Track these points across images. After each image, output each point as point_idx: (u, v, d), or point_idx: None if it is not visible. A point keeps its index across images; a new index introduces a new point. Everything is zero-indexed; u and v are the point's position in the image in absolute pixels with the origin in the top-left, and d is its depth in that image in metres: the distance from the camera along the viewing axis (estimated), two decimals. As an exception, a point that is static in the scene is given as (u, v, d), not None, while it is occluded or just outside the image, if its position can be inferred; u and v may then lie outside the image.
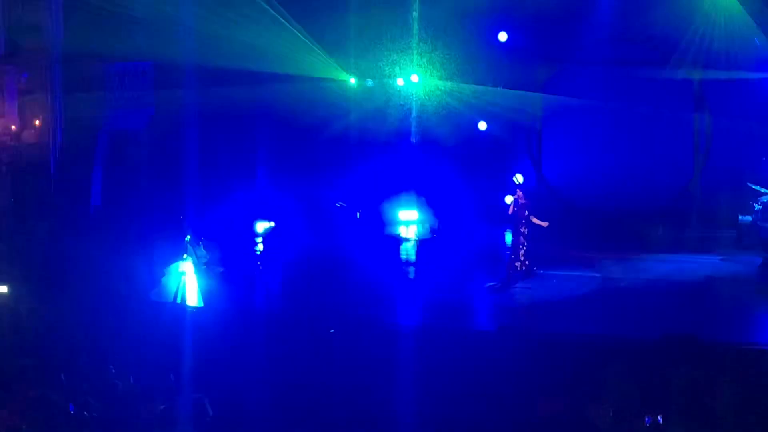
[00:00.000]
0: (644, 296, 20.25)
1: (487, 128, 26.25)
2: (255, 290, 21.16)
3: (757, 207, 22.95)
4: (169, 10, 22.72)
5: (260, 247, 23.52)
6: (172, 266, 20.48)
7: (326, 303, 19.41)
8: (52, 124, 21.13)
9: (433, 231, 25.22)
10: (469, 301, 20.40)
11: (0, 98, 20.89)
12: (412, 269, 23.25)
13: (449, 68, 25.71)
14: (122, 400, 12.99)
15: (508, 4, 25.30)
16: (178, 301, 19.97)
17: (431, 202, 25.51)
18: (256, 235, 23.81)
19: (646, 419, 12.93)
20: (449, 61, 25.64)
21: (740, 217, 23.45)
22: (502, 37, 25.69)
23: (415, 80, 26.00)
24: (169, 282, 20.34)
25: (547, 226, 21.42)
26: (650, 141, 25.60)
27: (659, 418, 12.89)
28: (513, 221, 21.54)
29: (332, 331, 16.87)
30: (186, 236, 21.14)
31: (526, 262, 21.39)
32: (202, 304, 20.06)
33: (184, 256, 20.62)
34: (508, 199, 22.06)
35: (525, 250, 21.36)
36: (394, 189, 25.68)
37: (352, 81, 26.37)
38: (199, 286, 20.32)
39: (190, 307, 19.80)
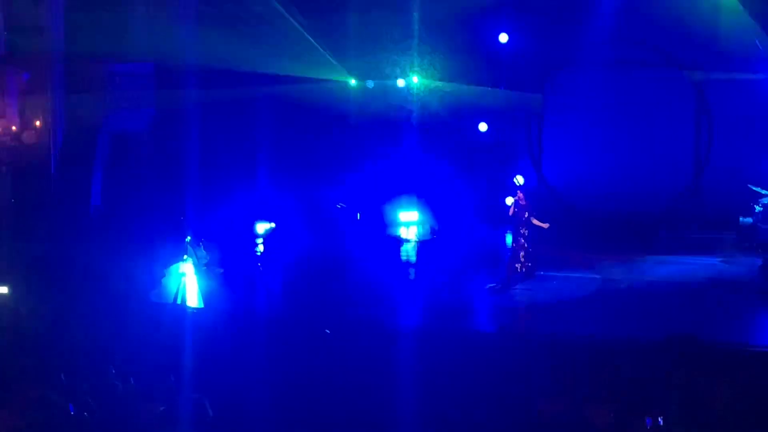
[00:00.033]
0: (645, 297, 20.25)
1: (488, 129, 26.24)
2: (255, 291, 21.15)
3: (757, 208, 22.94)
4: (170, 11, 22.72)
5: (260, 248, 23.52)
6: (173, 267, 20.47)
7: (326, 304, 19.41)
8: (52, 124, 21.13)
9: (433, 232, 25.21)
10: (470, 303, 20.38)
11: (0, 99, 20.87)
12: (412, 270, 23.24)
13: (450, 69, 25.72)
14: (122, 400, 12.98)
15: (508, 6, 25.30)
16: (179, 302, 19.96)
17: (432, 203, 25.50)
18: (257, 236, 23.81)
19: (647, 420, 12.91)
20: (449, 62, 25.65)
21: (741, 219, 23.44)
22: (503, 38, 25.68)
23: (415, 81, 26.01)
24: (170, 283, 20.33)
25: (548, 228, 21.42)
26: (651, 142, 25.58)
27: (660, 419, 12.87)
28: (513, 222, 21.54)
29: (327, 331, 16.88)
30: (186, 237, 21.14)
31: (527, 264, 21.38)
32: (202, 305, 20.05)
33: (185, 256, 20.62)
34: (509, 201, 22.06)
35: (525, 252, 21.36)
36: (395, 190, 25.67)
37: (353, 82, 26.38)
38: (200, 287, 20.32)
39: (190, 308, 19.79)
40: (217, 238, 22.44)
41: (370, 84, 26.42)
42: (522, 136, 26.59)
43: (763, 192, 22.91)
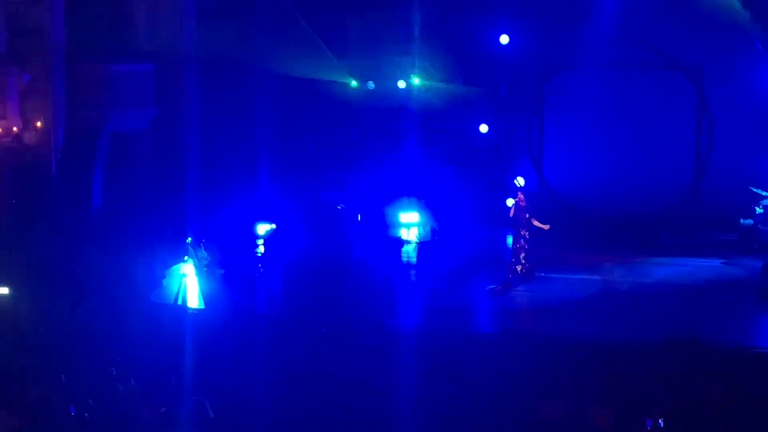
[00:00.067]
0: (645, 299, 20.25)
1: (489, 131, 26.24)
2: (256, 292, 21.15)
3: (758, 210, 22.94)
4: (171, 11, 22.73)
5: (261, 249, 23.52)
6: (173, 268, 20.48)
7: (327, 305, 19.41)
8: (53, 125, 21.13)
9: (434, 233, 25.21)
10: (470, 304, 20.38)
11: (1, 100, 20.87)
12: (413, 272, 23.23)
13: (450, 71, 25.73)
14: (123, 401, 12.98)
15: (510, 7, 25.31)
16: (179, 302, 19.97)
17: (432, 204, 25.50)
18: (258, 237, 23.81)
19: (647, 421, 12.92)
20: (450, 64, 25.66)
21: (742, 221, 23.44)
22: (504, 39, 25.69)
23: (416, 82, 26.01)
24: (170, 284, 20.34)
25: (548, 229, 21.42)
26: (651, 143, 25.59)
27: (660, 420, 12.88)
28: (514, 224, 21.54)
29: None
30: (187, 238, 21.14)
31: (527, 265, 21.38)
32: (203, 306, 20.05)
33: (185, 257, 20.63)
34: (509, 202, 22.06)
35: (526, 253, 21.36)
36: (395, 191, 25.67)
37: (353, 83, 26.39)
38: (200, 287, 20.32)
39: (190, 308, 19.80)
40: (217, 239, 22.45)
41: (371, 85, 26.42)
42: (523, 138, 26.60)
43: (764, 194, 22.91)
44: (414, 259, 24.07)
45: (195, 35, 23.07)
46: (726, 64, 24.54)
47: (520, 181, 21.70)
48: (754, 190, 23.04)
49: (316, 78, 25.59)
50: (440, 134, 25.90)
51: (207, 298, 20.25)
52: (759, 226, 22.92)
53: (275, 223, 24.04)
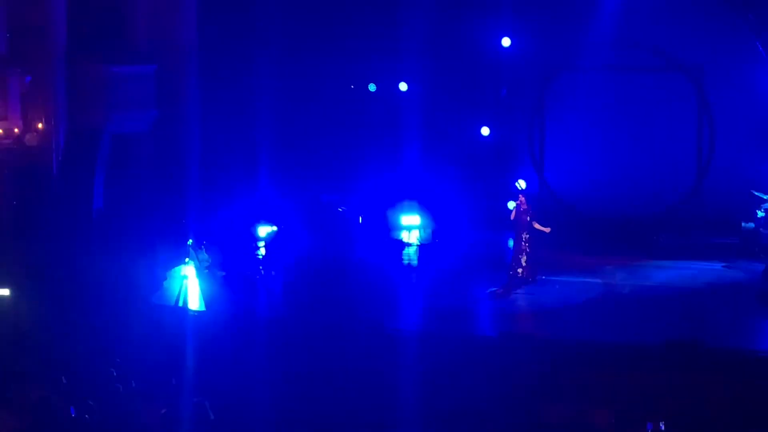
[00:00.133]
0: (646, 302, 20.25)
1: (490, 133, 26.23)
2: (257, 294, 21.14)
3: (760, 214, 22.93)
4: (173, 13, 22.73)
5: (262, 251, 23.51)
6: (174, 270, 20.48)
7: (328, 307, 19.41)
8: (54, 126, 21.11)
9: (435, 236, 25.20)
10: (471, 307, 20.38)
11: (3, 101, 20.84)
12: (414, 274, 23.22)
13: (452, 73, 25.72)
14: (123, 403, 12.97)
15: (511, 10, 25.30)
16: (180, 304, 19.96)
17: (433, 207, 25.49)
18: (259, 239, 23.80)
19: (648, 425, 12.91)
20: (452, 66, 25.66)
21: (743, 224, 23.43)
22: (506, 42, 25.69)
23: (417, 85, 26.01)
24: (171, 285, 20.34)
25: (549, 232, 21.42)
26: (653, 145, 25.58)
27: (661, 424, 12.87)
28: (515, 227, 21.53)
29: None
30: (188, 240, 21.14)
31: (528, 268, 21.37)
32: (203, 308, 20.05)
33: (186, 259, 20.63)
34: (511, 205, 22.05)
35: (527, 256, 21.36)
36: (397, 194, 25.67)
37: (353, 86, 26.43)
38: (201, 289, 20.32)
39: (191, 310, 19.80)
40: (218, 241, 22.44)
41: (372, 87, 26.42)
42: (524, 140, 26.58)
43: (765, 197, 22.90)
44: (415, 262, 24.06)
45: (196, 36, 23.06)
46: (727, 65, 24.53)
47: (521, 183, 21.70)
48: (756, 193, 23.03)
49: (318, 80, 25.57)
50: (441, 136, 25.88)
51: (208, 300, 20.25)
52: (760, 229, 22.92)
53: (276, 225, 24.03)
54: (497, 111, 26.22)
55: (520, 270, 21.35)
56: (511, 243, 22.08)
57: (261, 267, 22.55)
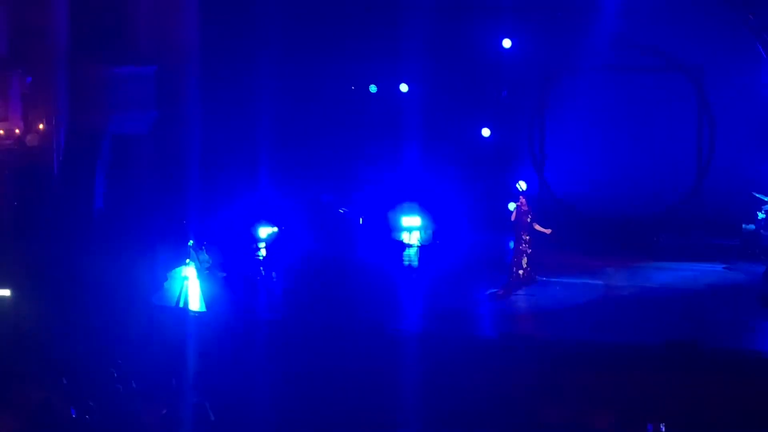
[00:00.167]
0: (647, 303, 20.24)
1: (491, 134, 26.23)
2: (257, 295, 21.14)
3: (760, 216, 22.91)
4: (174, 13, 22.73)
5: (263, 252, 23.51)
6: (175, 271, 20.47)
7: (328, 308, 19.40)
8: (55, 127, 21.11)
9: (435, 237, 25.20)
10: (472, 308, 20.37)
11: (3, 102, 20.85)
12: (414, 275, 23.21)
13: (453, 74, 25.71)
14: (124, 404, 12.98)
15: (512, 11, 25.30)
16: (181, 305, 19.96)
17: (434, 208, 25.49)
18: (259, 240, 23.80)
19: (649, 427, 12.92)
20: (453, 67, 25.65)
21: (744, 226, 23.41)
22: (506, 43, 25.69)
23: (418, 86, 26.01)
24: (172, 286, 20.33)
25: (550, 233, 21.42)
26: (653, 146, 25.55)
27: (662, 425, 12.88)
28: (516, 228, 21.53)
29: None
30: (189, 241, 21.13)
31: (529, 269, 21.37)
32: (204, 309, 20.05)
33: (187, 260, 20.63)
34: (511, 206, 22.04)
35: (527, 257, 21.35)
36: (397, 195, 25.66)
37: (353, 87, 26.43)
38: (202, 290, 20.32)
39: (192, 311, 19.80)
40: (219, 242, 22.44)
41: (373, 88, 26.42)
42: (524, 141, 26.57)
43: (766, 199, 22.88)
44: (415, 263, 24.05)
45: (197, 37, 23.06)
46: (727, 66, 24.51)
47: (522, 185, 21.69)
48: (757, 195, 23.01)
49: (318, 81, 25.57)
50: (442, 137, 25.87)
51: (208, 300, 20.25)
52: (761, 231, 22.90)
53: (277, 226, 24.03)
54: (498, 112, 26.19)
55: (520, 271, 21.35)
56: (511, 244, 22.06)
57: (261, 268, 22.54)
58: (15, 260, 19.43)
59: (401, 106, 26.09)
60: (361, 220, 25.53)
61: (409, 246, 24.96)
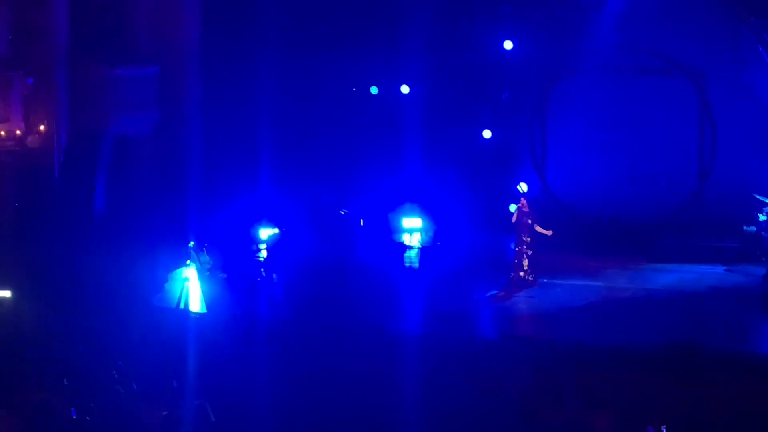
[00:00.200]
0: (648, 305, 20.24)
1: (492, 136, 26.23)
2: (258, 296, 21.14)
3: (762, 218, 22.90)
4: (175, 15, 22.74)
5: (263, 253, 23.51)
6: (176, 272, 20.48)
7: (329, 310, 19.41)
8: (56, 128, 21.14)
9: (436, 238, 25.20)
10: (472, 309, 20.37)
11: (5, 103, 20.89)
12: (415, 276, 23.21)
13: (454, 76, 25.71)
14: (124, 405, 12.98)
15: (513, 13, 25.30)
16: (182, 306, 19.97)
17: (435, 209, 25.49)
18: (260, 241, 23.81)
19: (649, 429, 12.91)
20: (454, 69, 25.65)
21: (745, 228, 23.40)
22: (507, 45, 25.69)
23: (419, 87, 26.01)
24: (173, 287, 20.34)
25: (551, 235, 21.43)
26: (654, 149, 25.55)
27: (663, 427, 12.87)
28: (516, 230, 21.54)
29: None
30: (190, 242, 21.14)
31: (529, 271, 21.38)
32: (205, 310, 20.05)
33: (188, 261, 20.63)
34: (512, 208, 22.05)
35: (528, 259, 21.36)
36: (398, 196, 25.67)
37: (354, 89, 26.44)
38: (203, 292, 20.32)
39: (193, 313, 19.80)
40: (220, 243, 22.45)
41: (374, 90, 26.43)
42: (525, 143, 26.58)
43: (767, 201, 22.87)
44: (416, 264, 24.06)
45: (198, 38, 23.07)
46: (728, 68, 24.51)
47: (523, 186, 21.70)
48: (758, 197, 23.00)
49: (320, 83, 25.58)
50: (443, 139, 25.87)
51: (209, 302, 20.25)
52: (762, 233, 22.89)
53: (278, 228, 24.04)
54: (499, 114, 26.21)
55: (521, 272, 21.37)
56: (512, 246, 22.06)
57: (262, 269, 22.54)
58: (16, 261, 19.44)
59: (402, 108, 26.09)
60: (361, 221, 25.54)
61: (410, 247, 24.96)
